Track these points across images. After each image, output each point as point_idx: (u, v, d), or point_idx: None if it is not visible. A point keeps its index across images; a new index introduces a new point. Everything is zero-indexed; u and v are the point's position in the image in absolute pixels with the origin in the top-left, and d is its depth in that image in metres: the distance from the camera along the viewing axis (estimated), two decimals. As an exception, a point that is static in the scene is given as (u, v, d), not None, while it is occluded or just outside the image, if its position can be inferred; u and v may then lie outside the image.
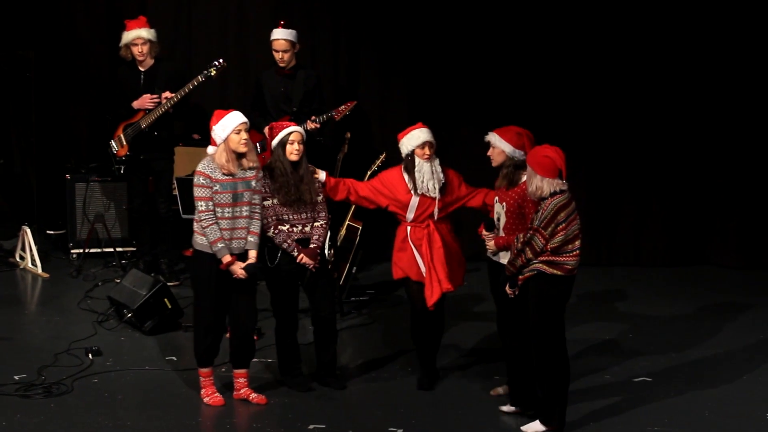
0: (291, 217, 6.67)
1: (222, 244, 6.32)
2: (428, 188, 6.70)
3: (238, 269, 6.40)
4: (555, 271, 6.09)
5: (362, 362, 7.29)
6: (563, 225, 6.06)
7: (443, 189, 6.75)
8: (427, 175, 6.69)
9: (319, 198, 6.74)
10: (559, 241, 6.06)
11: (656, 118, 9.37)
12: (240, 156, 6.37)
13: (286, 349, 6.82)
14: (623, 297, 8.75)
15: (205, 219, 6.31)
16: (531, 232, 6.10)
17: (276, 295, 6.77)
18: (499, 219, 6.52)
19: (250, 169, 6.42)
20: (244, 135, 6.36)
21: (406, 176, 6.76)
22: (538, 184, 6.08)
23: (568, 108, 9.35)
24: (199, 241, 6.39)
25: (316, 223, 6.71)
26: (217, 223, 6.32)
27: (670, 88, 9.31)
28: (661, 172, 9.44)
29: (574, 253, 6.11)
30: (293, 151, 6.61)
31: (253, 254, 6.49)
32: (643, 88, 9.33)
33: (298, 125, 6.77)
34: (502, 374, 6.85)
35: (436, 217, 6.76)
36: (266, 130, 8.45)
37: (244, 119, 6.41)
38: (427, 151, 6.72)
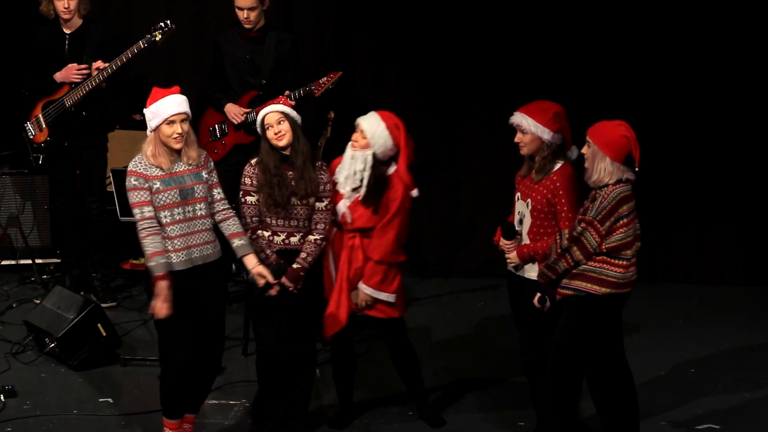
0: (274, 221, 6.68)
1: (163, 260, 6.24)
2: (339, 180, 6.70)
3: (159, 297, 6.23)
4: (604, 289, 6.14)
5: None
6: (625, 221, 6.11)
7: (372, 199, 6.63)
8: (345, 164, 6.70)
9: (322, 204, 6.70)
10: (617, 240, 6.11)
11: (727, 110, 9.41)
12: (175, 151, 6.34)
13: (265, 384, 6.81)
14: (683, 322, 8.80)
15: (143, 228, 6.26)
16: (582, 225, 6.12)
17: (257, 315, 6.74)
18: (521, 221, 6.56)
19: (195, 163, 6.38)
20: (178, 128, 6.27)
21: None
22: (608, 168, 6.12)
23: (615, 85, 9.41)
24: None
25: (310, 237, 6.69)
26: (159, 232, 6.27)
27: (735, 83, 9.39)
28: (726, 171, 9.50)
29: (628, 262, 6.16)
30: (274, 136, 6.62)
31: (253, 259, 6.45)
32: (702, 80, 9.38)
33: (287, 103, 6.75)
34: (529, 420, 6.91)
35: (349, 221, 6.69)
36: (227, 109, 8.58)
37: (183, 109, 6.30)
38: (355, 136, 6.72)
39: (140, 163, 6.31)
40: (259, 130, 6.71)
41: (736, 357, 8.11)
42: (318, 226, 6.68)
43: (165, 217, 6.31)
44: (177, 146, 6.29)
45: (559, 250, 6.19)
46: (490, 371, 7.81)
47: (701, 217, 9.57)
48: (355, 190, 6.66)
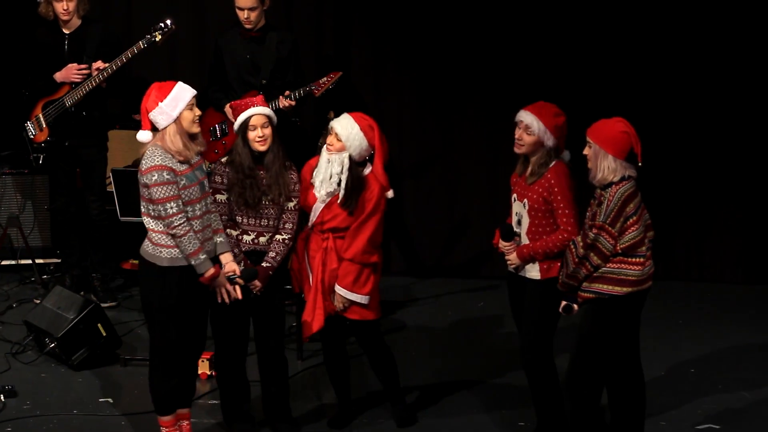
0: (244, 221, 6.68)
1: (204, 255, 6.29)
2: (315, 185, 6.70)
3: (225, 282, 6.37)
4: (626, 289, 6.17)
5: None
6: (634, 218, 6.15)
7: (350, 201, 6.63)
8: (321, 167, 6.69)
9: (291, 204, 6.71)
10: (630, 239, 6.14)
11: (728, 109, 9.41)
12: (192, 138, 6.37)
13: (228, 384, 6.84)
14: (682, 321, 8.82)
15: (180, 225, 6.23)
16: (594, 231, 6.15)
17: (218, 315, 6.70)
18: (519, 222, 6.57)
19: (199, 153, 6.43)
20: (197, 111, 6.38)
21: None
22: (611, 165, 6.14)
23: (615, 84, 9.41)
24: (165, 254, 6.32)
25: (277, 236, 6.70)
26: (192, 228, 6.30)
27: (735, 82, 9.39)
28: (727, 169, 9.50)
29: (644, 258, 6.18)
30: (256, 139, 6.60)
31: (229, 257, 6.47)
32: (703, 76, 9.39)
33: (264, 103, 6.77)
34: (529, 420, 6.93)
35: (314, 223, 6.71)
36: (227, 109, 8.59)
37: (195, 92, 6.39)
38: (329, 139, 6.71)
39: (167, 157, 6.27)
40: (236, 127, 6.68)
41: (736, 357, 8.12)
42: (286, 226, 6.69)
43: (188, 212, 6.32)
44: (198, 129, 6.34)
45: (576, 259, 6.22)
46: (490, 371, 7.82)
47: (701, 216, 9.57)
48: (329, 193, 6.65)
